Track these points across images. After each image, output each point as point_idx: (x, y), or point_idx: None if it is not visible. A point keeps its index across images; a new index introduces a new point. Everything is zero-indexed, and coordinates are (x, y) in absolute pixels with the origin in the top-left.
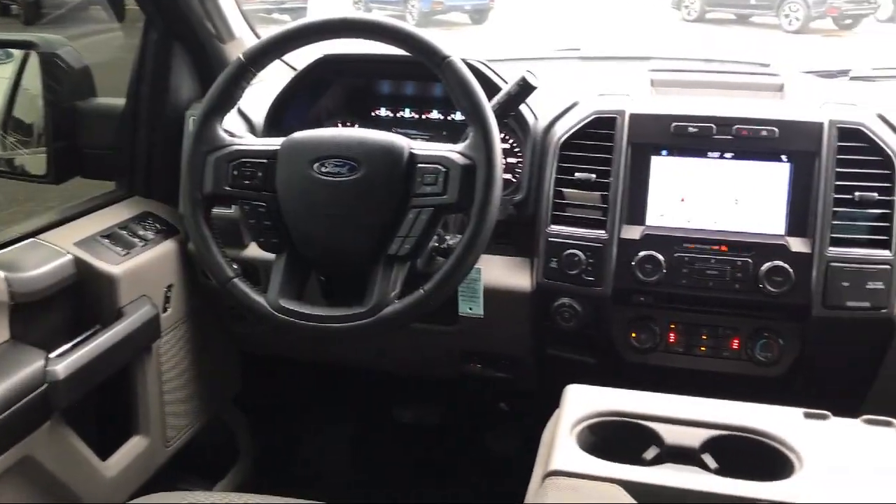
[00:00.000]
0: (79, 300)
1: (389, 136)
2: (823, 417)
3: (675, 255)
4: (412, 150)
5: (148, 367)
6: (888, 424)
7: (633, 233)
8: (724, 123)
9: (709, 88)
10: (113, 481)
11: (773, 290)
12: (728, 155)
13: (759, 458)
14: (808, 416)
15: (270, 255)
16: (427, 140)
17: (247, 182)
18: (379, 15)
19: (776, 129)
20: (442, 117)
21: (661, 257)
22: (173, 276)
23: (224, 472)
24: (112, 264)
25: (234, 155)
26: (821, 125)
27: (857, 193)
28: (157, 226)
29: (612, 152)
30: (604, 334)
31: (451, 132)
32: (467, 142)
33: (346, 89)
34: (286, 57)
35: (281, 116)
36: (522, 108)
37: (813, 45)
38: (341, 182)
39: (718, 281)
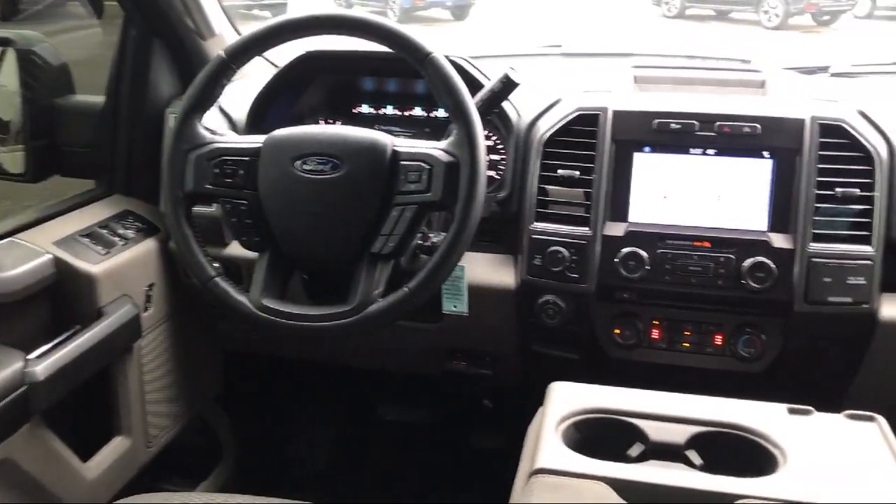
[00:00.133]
0: (58, 300)
1: (372, 133)
2: (807, 413)
3: (659, 251)
4: (395, 148)
5: (129, 367)
6: (870, 419)
7: (616, 229)
8: (707, 120)
9: (691, 85)
10: (94, 483)
11: (755, 285)
12: (710, 151)
13: (743, 453)
14: (791, 411)
15: (253, 254)
16: (410, 137)
17: (228, 180)
18: (361, 11)
19: (758, 126)
20: (425, 114)
21: (644, 254)
22: (154, 275)
23: (207, 471)
24: (92, 264)
25: (215, 153)
26: (802, 121)
27: (838, 189)
28: (138, 224)
29: (596, 149)
30: (587, 331)
31: (433, 129)
32: (451, 139)
33: (329, 86)
34: (268, 53)
35: (263, 113)
36: (505, 104)
37: (792, 42)
38: (324, 180)
39: (701, 277)
